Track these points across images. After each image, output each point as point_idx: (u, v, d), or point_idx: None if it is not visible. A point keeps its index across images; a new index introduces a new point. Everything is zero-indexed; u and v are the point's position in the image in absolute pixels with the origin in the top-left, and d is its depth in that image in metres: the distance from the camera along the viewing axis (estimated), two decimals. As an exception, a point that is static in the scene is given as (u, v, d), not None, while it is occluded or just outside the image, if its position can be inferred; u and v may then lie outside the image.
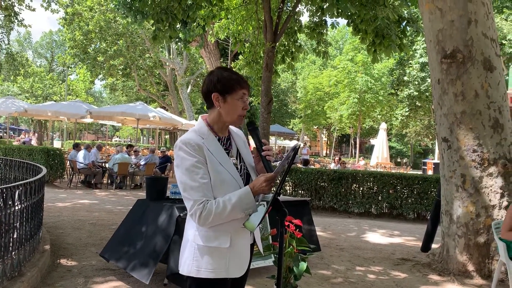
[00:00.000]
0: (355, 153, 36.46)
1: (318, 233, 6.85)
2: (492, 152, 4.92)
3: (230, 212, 1.74)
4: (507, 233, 4.21)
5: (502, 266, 4.40)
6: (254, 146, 1.94)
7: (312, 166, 16.55)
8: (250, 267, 4.51)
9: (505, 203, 4.85)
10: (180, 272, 1.86)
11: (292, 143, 36.28)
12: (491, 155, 4.91)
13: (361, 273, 5.00)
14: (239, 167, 1.93)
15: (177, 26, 10.23)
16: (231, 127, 2.04)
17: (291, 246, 3.40)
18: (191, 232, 1.86)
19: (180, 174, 1.80)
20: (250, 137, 1.95)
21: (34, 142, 25.29)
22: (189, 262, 1.83)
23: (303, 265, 3.34)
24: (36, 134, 35.39)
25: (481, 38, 4.91)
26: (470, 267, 4.95)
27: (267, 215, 4.82)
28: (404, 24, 9.64)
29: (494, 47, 5.02)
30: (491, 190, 4.91)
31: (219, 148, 1.88)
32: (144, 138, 54.01)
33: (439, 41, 5.11)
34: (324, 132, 48.96)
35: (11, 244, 3.67)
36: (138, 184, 13.28)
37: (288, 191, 10.24)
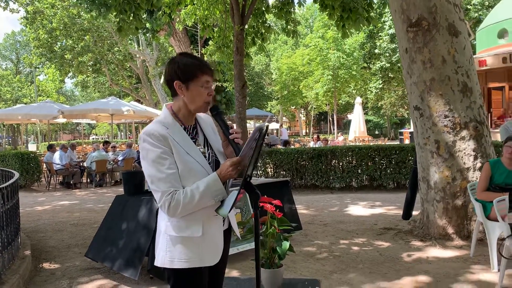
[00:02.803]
0: (334, 129, 36.76)
1: (301, 211, 6.93)
2: (463, 116, 5.01)
3: (199, 200, 1.72)
4: (482, 193, 4.32)
5: (480, 225, 4.52)
6: (221, 130, 1.90)
7: (293, 146, 16.64)
8: (236, 251, 4.51)
9: (478, 165, 4.97)
10: (155, 264, 1.84)
11: (272, 125, 36.34)
12: (462, 119, 5.00)
13: (345, 246, 5.07)
14: (207, 155, 1.90)
15: (143, 16, 10.00)
16: (199, 114, 2.00)
17: (273, 227, 3.40)
18: (163, 223, 1.84)
19: (146, 166, 1.76)
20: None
21: None
22: (163, 254, 1.81)
23: (286, 244, 3.35)
24: None
25: (444, 4, 4.94)
26: (450, 230, 5.08)
27: (248, 199, 4.82)
28: (370, -4, 9.64)
29: (458, 12, 5.06)
30: (464, 153, 5.01)
31: (185, 137, 1.84)
32: (122, 134, 53.24)
33: (404, 10, 5.12)
34: (302, 111, 49.13)
35: (-13, 253, 3.58)
36: (118, 180, 13.11)
37: (270, 173, 10.28)
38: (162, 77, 27.57)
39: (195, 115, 1.95)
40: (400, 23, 5.24)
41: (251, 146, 1.67)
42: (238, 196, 1.75)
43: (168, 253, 1.80)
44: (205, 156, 1.88)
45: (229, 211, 1.75)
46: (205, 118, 2.04)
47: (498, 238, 4.09)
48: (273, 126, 30.34)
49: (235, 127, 1.90)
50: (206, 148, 1.93)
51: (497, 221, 3.95)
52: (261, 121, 33.93)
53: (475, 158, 5.00)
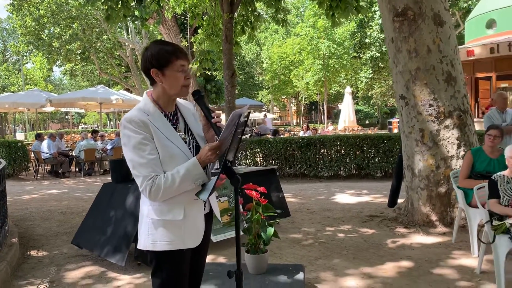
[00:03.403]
0: (324, 119, 36.87)
1: (289, 199, 7.00)
2: (447, 105, 5.08)
3: (179, 184, 1.76)
4: (464, 181, 4.41)
5: (461, 212, 4.62)
6: (203, 114, 1.93)
7: (282, 136, 16.69)
8: (224, 238, 4.55)
9: (462, 153, 5.06)
10: (138, 247, 1.88)
11: (263, 115, 36.29)
12: (447, 108, 5.08)
13: (331, 233, 5.16)
14: (187, 140, 1.94)
15: (131, 4, 9.91)
16: (179, 101, 2.03)
17: (258, 213, 3.46)
18: (145, 207, 1.88)
19: (127, 152, 1.80)
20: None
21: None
22: (145, 237, 1.86)
23: (270, 230, 3.42)
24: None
25: (430, -7, 4.98)
26: (434, 217, 5.19)
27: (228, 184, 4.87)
28: (359, -15, 9.63)
29: (443, 2, 5.11)
30: (448, 142, 5.10)
31: (166, 123, 1.88)
32: (111, 123, 52.85)
33: (390, 0, 5.16)
34: (293, 101, 49.14)
35: (-26, 240, 3.59)
36: (107, 169, 13.07)
37: (259, 162, 10.33)
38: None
39: (175, 101, 1.98)
40: (386, 12, 5.28)
41: (230, 131, 1.71)
42: (217, 181, 1.79)
43: (150, 236, 1.84)
44: (185, 142, 1.91)
45: (209, 195, 1.79)
46: (185, 105, 2.07)
47: (478, 225, 4.20)
48: (257, 115, 30.25)
49: (216, 112, 1.94)
50: (186, 134, 1.96)
51: (478, 208, 4.05)
52: (252, 110, 33.91)
53: (459, 146, 5.09)
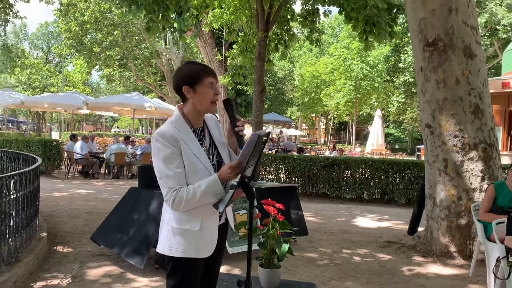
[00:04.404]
0: (352, 140, 36.59)
1: (309, 218, 7.05)
2: (472, 137, 5.07)
3: (200, 198, 1.91)
4: (484, 214, 4.39)
5: (480, 246, 4.58)
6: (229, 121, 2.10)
7: (308, 154, 16.72)
8: (240, 251, 4.66)
9: (485, 186, 5.02)
10: (156, 250, 2.04)
11: (290, 131, 36.35)
12: (472, 140, 5.07)
13: (347, 255, 5.19)
14: (211, 156, 2.10)
15: (171, 16, 10.29)
16: (207, 116, 2.19)
17: (274, 229, 3.55)
18: (167, 215, 2.05)
19: (157, 163, 1.98)
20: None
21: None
22: (164, 242, 2.02)
23: (285, 247, 3.50)
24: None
25: (461, 26, 5.04)
26: (452, 248, 5.14)
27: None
28: (394, 11, 9.71)
29: (475, 35, 5.14)
30: (472, 173, 5.08)
31: (193, 139, 2.04)
32: (143, 128, 54.09)
33: (422, 30, 5.23)
34: (322, 120, 49.03)
35: (7, 231, 3.84)
36: (135, 173, 13.43)
37: (282, 178, 10.42)
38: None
39: (203, 117, 2.14)
40: (417, 41, 5.34)
41: (249, 151, 1.85)
42: (234, 194, 1.93)
43: (168, 242, 2.01)
44: (209, 158, 2.07)
45: (225, 207, 1.94)
46: (211, 118, 2.23)
47: (496, 260, 4.15)
48: (285, 131, 30.31)
49: (241, 121, 2.11)
50: (211, 149, 2.12)
51: (496, 242, 4.02)
52: (280, 126, 34.06)
53: (482, 179, 5.06)
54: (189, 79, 2.01)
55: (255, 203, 2.06)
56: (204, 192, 1.91)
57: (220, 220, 2.12)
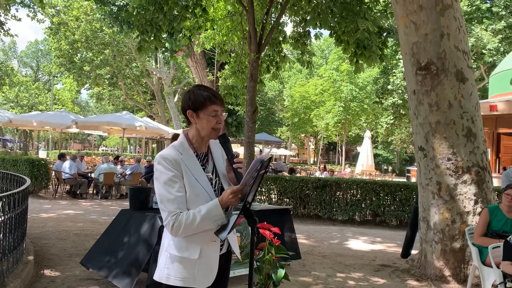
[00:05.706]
0: (342, 161, 36.76)
1: (301, 240, 6.97)
2: (466, 160, 5.10)
3: (199, 223, 1.86)
4: (479, 238, 4.38)
5: (475, 270, 4.56)
6: (226, 158, 2.06)
7: (299, 174, 16.70)
8: (233, 275, 4.57)
9: (478, 210, 5.02)
10: (153, 278, 1.98)
11: (280, 151, 36.42)
12: (465, 163, 5.10)
13: (341, 279, 5.11)
14: (213, 182, 2.06)
15: (163, 36, 10.34)
16: (211, 141, 2.16)
17: (270, 254, 3.50)
18: (166, 241, 1.99)
19: (158, 186, 1.93)
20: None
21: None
22: (161, 269, 1.96)
23: (281, 272, 3.45)
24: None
25: (453, 50, 5.12)
26: (447, 272, 5.10)
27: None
28: (384, 35, 9.89)
29: (466, 59, 5.23)
30: (465, 197, 5.08)
31: (196, 163, 2.01)
32: (131, 147, 53.72)
33: (414, 54, 5.30)
34: (312, 140, 49.28)
35: (-6, 255, 3.71)
36: (124, 194, 13.25)
37: (273, 199, 10.35)
38: (176, 96, 28.13)
39: (207, 142, 2.11)
40: (409, 65, 5.41)
41: (252, 176, 1.81)
42: (237, 221, 1.88)
43: (165, 270, 1.94)
44: (211, 183, 2.04)
45: (227, 234, 1.88)
46: (216, 145, 2.20)
47: (492, 285, 4.13)
48: (275, 151, 30.29)
49: (240, 157, 2.08)
50: (214, 175, 2.09)
51: (492, 267, 4.00)
52: (269, 146, 34.12)
53: (476, 202, 5.06)
54: (193, 104, 2.00)
55: (256, 231, 2.02)
56: (204, 217, 1.86)
57: (221, 249, 2.06)
